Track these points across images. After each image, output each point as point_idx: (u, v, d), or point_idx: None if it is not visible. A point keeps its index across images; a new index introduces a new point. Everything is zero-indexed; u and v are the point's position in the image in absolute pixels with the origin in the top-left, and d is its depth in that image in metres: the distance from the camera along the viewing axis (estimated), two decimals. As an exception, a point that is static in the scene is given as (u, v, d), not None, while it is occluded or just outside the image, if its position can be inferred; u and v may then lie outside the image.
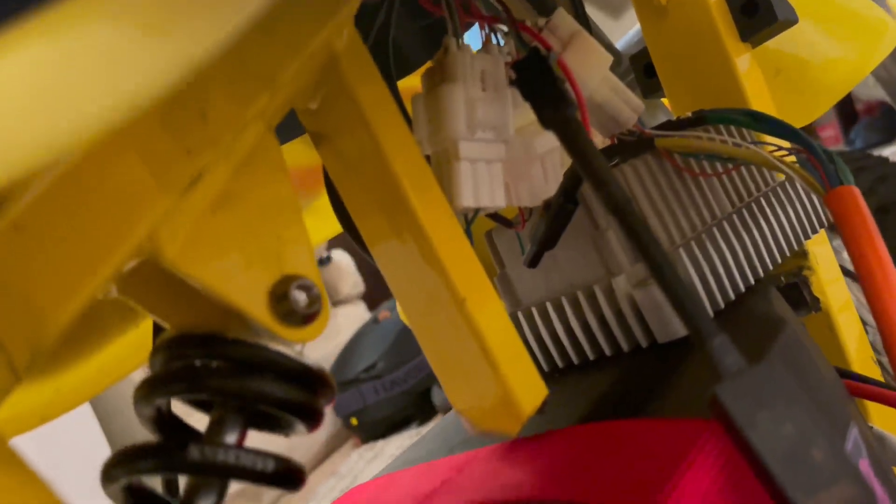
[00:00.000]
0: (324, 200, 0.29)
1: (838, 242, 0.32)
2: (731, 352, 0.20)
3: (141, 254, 0.19)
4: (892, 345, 0.23)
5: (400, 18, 0.35)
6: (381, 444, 2.03)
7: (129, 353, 0.34)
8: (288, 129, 0.29)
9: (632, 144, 0.31)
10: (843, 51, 0.53)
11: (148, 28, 0.11)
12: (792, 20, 0.40)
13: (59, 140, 0.11)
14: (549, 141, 0.30)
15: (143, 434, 0.21)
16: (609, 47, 0.50)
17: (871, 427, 0.32)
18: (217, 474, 0.18)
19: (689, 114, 0.34)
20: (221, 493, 0.19)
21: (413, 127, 0.27)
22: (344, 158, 0.26)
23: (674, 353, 0.28)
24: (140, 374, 0.26)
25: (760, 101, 0.39)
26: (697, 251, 0.29)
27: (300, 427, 0.21)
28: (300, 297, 0.21)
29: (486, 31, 0.28)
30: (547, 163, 0.30)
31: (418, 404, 2.05)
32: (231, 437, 0.20)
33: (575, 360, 0.31)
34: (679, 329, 0.28)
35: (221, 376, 0.19)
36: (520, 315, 0.32)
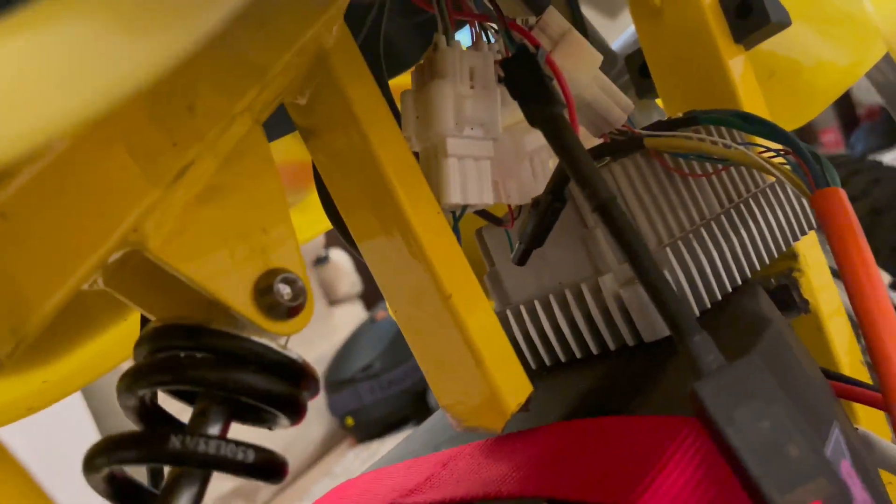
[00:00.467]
0: (315, 196, 0.29)
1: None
2: (711, 349, 0.20)
3: (126, 245, 0.19)
4: (874, 343, 0.23)
5: (393, 15, 0.35)
6: (376, 444, 2.03)
7: (117, 345, 0.34)
8: (281, 124, 0.29)
9: (622, 143, 0.31)
10: (837, 54, 0.54)
11: (124, 25, 0.12)
12: (785, 22, 0.40)
13: (34, 133, 0.11)
14: (538, 139, 0.30)
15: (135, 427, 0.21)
16: (604, 47, 0.50)
17: (857, 428, 0.32)
18: (197, 464, 0.19)
19: (681, 114, 0.34)
20: (203, 484, 0.19)
21: (402, 123, 0.27)
22: (332, 154, 0.26)
23: (660, 351, 0.28)
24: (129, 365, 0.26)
25: (753, 102, 0.39)
26: (684, 250, 0.29)
27: (283, 420, 0.21)
28: (284, 291, 0.21)
29: (477, 28, 0.29)
30: (536, 161, 0.30)
31: (415, 405, 2.05)
32: (214, 429, 0.20)
33: (562, 357, 0.31)
34: (665, 328, 0.28)
35: (204, 368, 0.20)
36: (508, 312, 0.32)
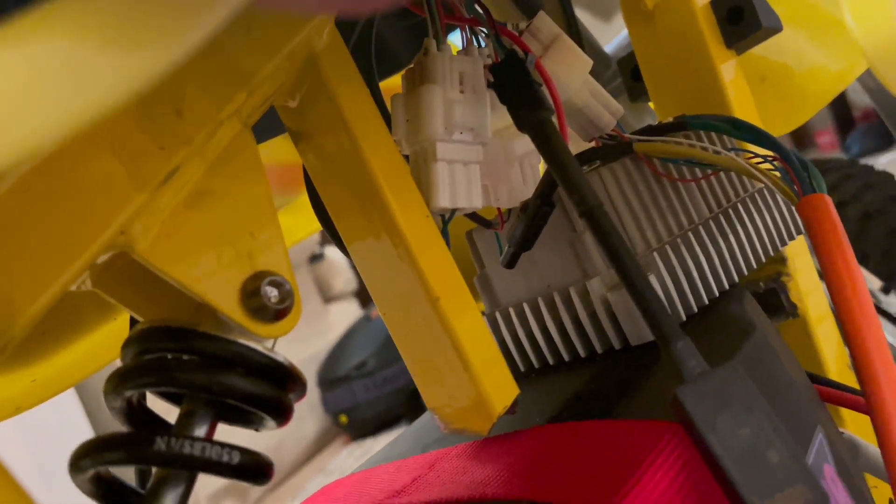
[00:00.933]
0: (305, 197, 0.30)
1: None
2: (693, 355, 0.20)
3: (114, 247, 0.19)
4: (857, 350, 0.23)
5: (385, 18, 0.35)
6: (370, 442, 2.04)
7: (106, 345, 0.34)
8: (272, 126, 0.29)
9: (612, 148, 0.32)
10: (828, 58, 0.54)
11: (114, 39, 0.12)
12: (776, 28, 0.40)
13: (19, 146, 0.11)
14: (527, 143, 0.30)
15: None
16: (598, 50, 0.50)
17: (843, 433, 0.32)
18: (182, 466, 0.19)
19: (671, 119, 0.34)
20: (189, 485, 0.20)
21: (392, 127, 0.27)
22: (322, 157, 0.26)
23: (646, 355, 0.28)
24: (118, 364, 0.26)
25: (744, 106, 0.40)
26: (672, 255, 0.30)
27: (269, 422, 0.21)
28: (272, 293, 0.21)
29: (468, 33, 0.29)
30: (525, 164, 0.30)
31: (408, 403, 2.05)
32: (200, 430, 0.20)
33: (550, 360, 0.32)
34: (651, 332, 0.28)
35: (191, 370, 0.20)
36: (497, 314, 0.32)
